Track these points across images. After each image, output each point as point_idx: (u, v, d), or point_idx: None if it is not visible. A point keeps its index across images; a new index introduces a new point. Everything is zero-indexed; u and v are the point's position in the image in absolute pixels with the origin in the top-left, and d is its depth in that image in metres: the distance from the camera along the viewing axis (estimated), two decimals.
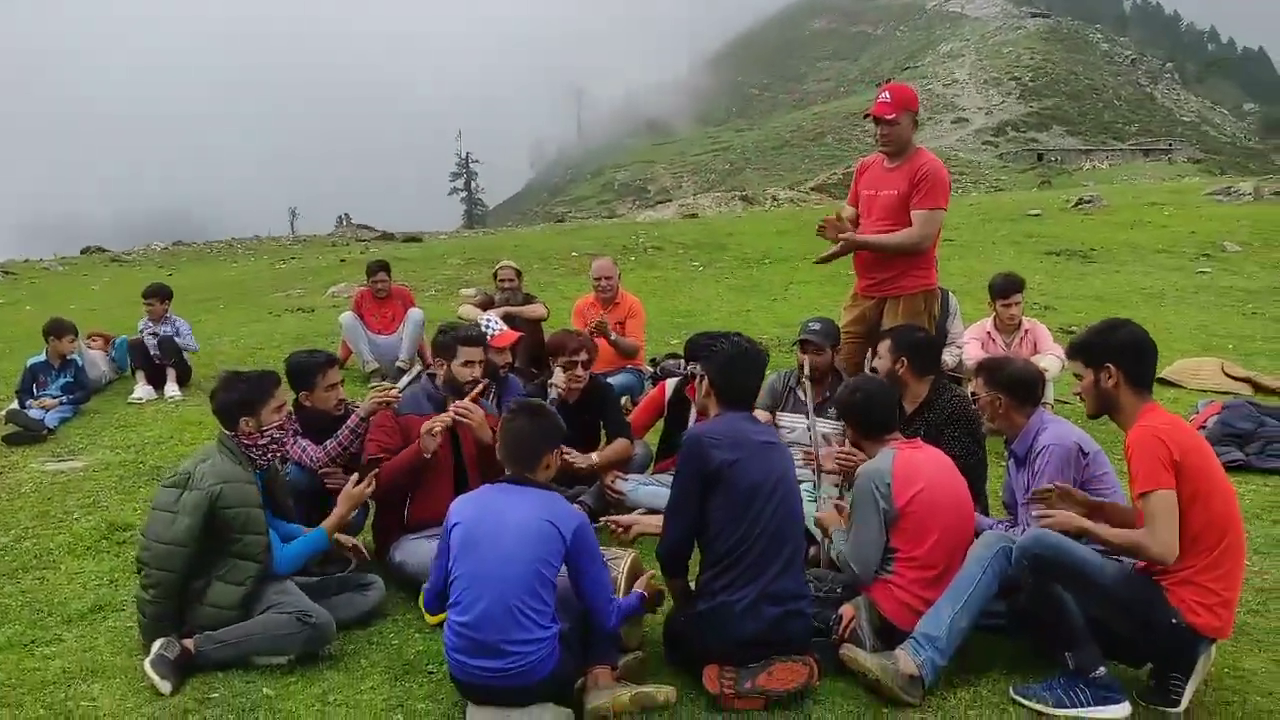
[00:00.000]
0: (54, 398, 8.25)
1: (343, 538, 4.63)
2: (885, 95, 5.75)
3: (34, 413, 7.93)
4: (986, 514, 4.83)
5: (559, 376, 5.69)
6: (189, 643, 3.97)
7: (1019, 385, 4.35)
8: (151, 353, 9.26)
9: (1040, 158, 75.26)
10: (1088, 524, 3.67)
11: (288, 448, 4.61)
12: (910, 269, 5.77)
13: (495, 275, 9.17)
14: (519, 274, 9.12)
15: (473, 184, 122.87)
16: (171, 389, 9.01)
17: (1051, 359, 7.02)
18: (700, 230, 21.11)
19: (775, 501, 3.76)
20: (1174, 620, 3.53)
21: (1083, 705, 3.59)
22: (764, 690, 3.62)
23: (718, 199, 46.38)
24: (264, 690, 3.84)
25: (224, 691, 3.83)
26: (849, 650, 3.81)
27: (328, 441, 4.88)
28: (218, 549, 4.05)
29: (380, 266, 9.96)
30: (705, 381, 4.03)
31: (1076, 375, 3.87)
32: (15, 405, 8.13)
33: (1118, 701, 3.60)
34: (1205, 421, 6.78)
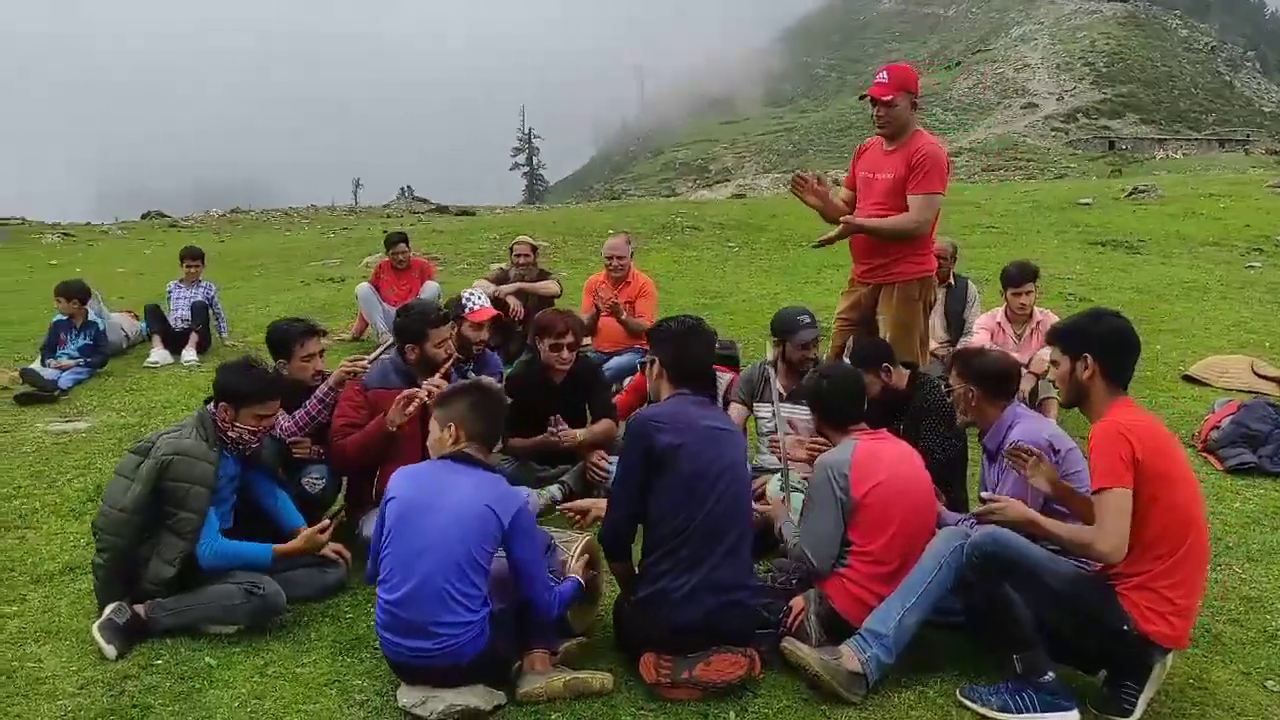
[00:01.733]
0: (71, 359, 8.39)
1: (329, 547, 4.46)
2: (883, 75, 5.59)
3: (48, 373, 8.08)
4: (967, 508, 4.70)
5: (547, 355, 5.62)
6: (141, 608, 3.99)
7: (991, 378, 4.21)
8: (178, 314, 9.38)
9: (1112, 145, 73.11)
10: (1035, 516, 3.54)
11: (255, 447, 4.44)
12: (906, 255, 5.61)
13: (511, 250, 9.13)
14: (534, 250, 9.07)
15: (534, 160, 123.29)
16: (189, 354, 9.10)
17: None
18: (743, 211, 20.83)
19: (720, 488, 3.65)
20: (1125, 627, 3.38)
21: (1029, 710, 3.48)
22: (700, 681, 3.55)
23: (776, 180, 45.96)
24: (206, 659, 3.86)
25: (168, 659, 3.86)
26: (790, 644, 3.71)
27: (296, 411, 4.87)
28: (157, 520, 4.03)
29: (399, 238, 9.98)
30: (655, 365, 3.93)
31: (1053, 362, 3.74)
32: (37, 363, 8.30)
33: (1066, 709, 3.48)
34: (1220, 421, 6.50)
